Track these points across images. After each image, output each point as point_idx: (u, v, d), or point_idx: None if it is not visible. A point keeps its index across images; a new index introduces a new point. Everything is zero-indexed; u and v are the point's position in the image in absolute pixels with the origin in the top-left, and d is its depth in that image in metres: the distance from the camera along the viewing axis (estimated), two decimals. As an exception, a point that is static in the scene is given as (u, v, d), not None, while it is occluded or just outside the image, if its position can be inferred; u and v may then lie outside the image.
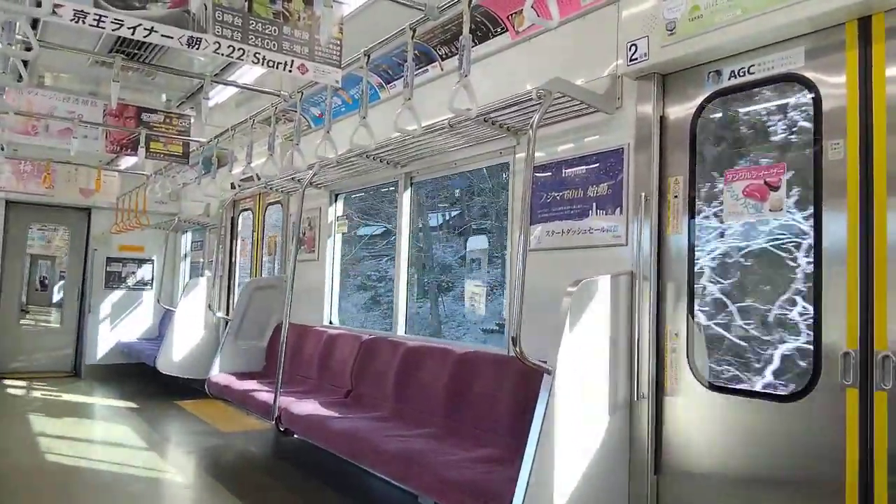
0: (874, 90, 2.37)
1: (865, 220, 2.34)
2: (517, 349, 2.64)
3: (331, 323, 5.90)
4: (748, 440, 2.63)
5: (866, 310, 2.31)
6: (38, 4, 2.71)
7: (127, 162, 8.49)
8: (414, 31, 3.61)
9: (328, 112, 4.45)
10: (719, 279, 2.82)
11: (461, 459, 3.21)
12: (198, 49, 3.12)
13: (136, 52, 5.28)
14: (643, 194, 3.02)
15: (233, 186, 6.57)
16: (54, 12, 2.77)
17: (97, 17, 2.88)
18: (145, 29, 2.98)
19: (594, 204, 3.33)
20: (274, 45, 3.33)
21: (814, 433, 2.42)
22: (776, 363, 2.61)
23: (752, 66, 2.71)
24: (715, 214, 2.82)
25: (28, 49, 3.18)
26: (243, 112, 6.14)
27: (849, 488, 2.32)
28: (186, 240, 9.69)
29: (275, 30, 3.34)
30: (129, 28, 2.94)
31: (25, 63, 3.65)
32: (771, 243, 2.66)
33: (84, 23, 2.85)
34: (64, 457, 5.02)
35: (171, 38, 3.05)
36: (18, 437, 5.57)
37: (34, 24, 4.21)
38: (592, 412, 2.85)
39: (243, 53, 3.25)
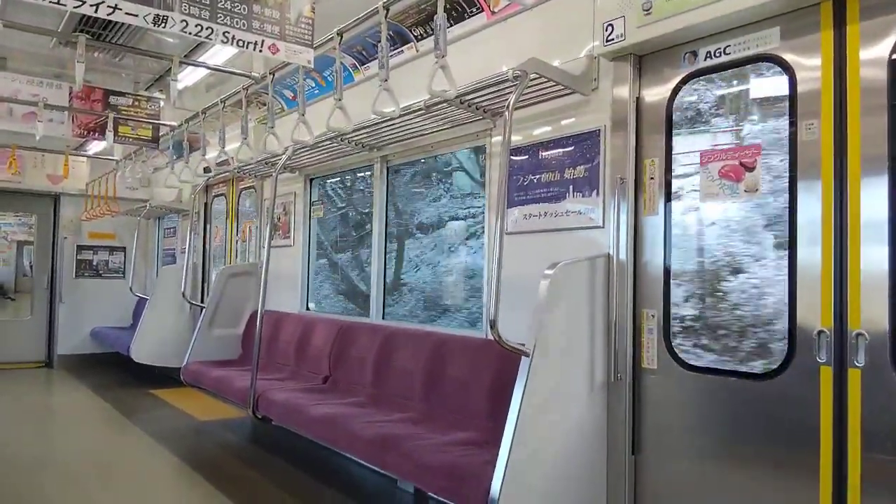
0: (848, 71, 2.37)
1: (840, 199, 2.36)
2: (495, 332, 2.62)
3: (307, 309, 5.84)
4: (724, 419, 2.65)
5: (840, 289, 2.34)
6: (-5, -19, 2.60)
7: (96, 147, 8.29)
8: (387, 10, 3.55)
9: (301, 94, 4.36)
10: (695, 259, 2.82)
11: (440, 443, 3.21)
12: (164, 28, 3.02)
13: (101, 31, 5.14)
14: (619, 176, 3.01)
15: (206, 171, 6.44)
16: (12, -11, 2.66)
17: (58, -5, 2.77)
18: (108, 7, 2.88)
19: (571, 186, 3.32)
20: (244, 23, 3.25)
21: (789, 411, 2.45)
22: (752, 342, 2.62)
23: (728, 46, 2.70)
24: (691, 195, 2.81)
25: (-13, 29, 3.06)
26: (214, 95, 6.01)
27: (823, 465, 2.35)
28: (159, 226, 9.52)
29: (244, 8, 3.25)
30: (91, 6, 2.84)
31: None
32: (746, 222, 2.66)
33: (44, 0, 2.75)
34: (34, 447, 4.92)
35: (136, 16, 2.95)
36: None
37: (-7, 2, 4.07)
38: (570, 393, 2.85)
39: (212, 32, 3.16)
